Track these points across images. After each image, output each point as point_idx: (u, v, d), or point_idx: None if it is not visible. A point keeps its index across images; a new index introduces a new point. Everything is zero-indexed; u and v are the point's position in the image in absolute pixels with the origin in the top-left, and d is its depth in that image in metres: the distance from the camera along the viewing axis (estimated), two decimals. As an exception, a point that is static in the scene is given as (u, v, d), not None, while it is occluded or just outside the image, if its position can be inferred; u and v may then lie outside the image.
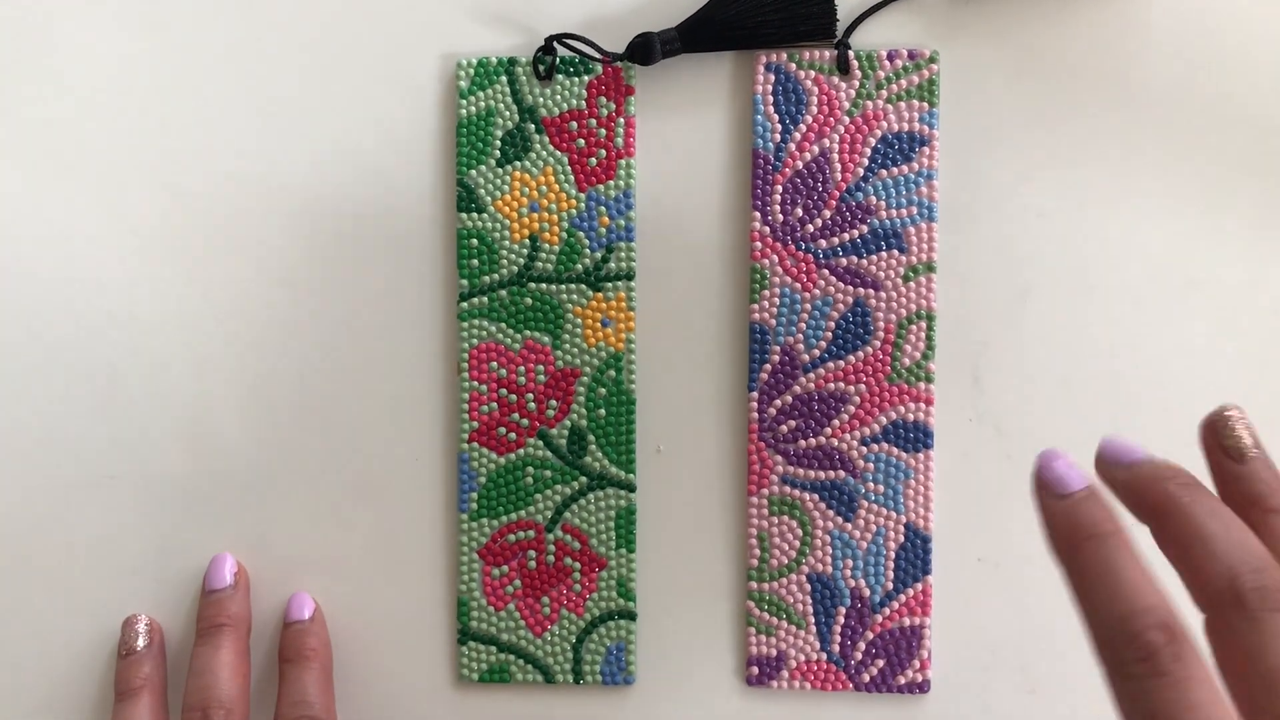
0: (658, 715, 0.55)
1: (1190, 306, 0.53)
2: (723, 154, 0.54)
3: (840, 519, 0.53)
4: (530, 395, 0.54)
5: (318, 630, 0.54)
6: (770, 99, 0.53)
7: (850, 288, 0.53)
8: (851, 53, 0.52)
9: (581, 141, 0.53)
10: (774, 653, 0.54)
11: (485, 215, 0.54)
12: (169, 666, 0.55)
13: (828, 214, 0.53)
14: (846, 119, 0.53)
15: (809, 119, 0.53)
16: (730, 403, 0.54)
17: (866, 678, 0.54)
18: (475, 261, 0.54)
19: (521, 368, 0.54)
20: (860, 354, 0.53)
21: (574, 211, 0.54)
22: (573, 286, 0.54)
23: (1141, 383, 0.53)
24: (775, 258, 0.53)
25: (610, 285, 0.54)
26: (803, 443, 0.53)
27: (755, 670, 0.54)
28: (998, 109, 0.53)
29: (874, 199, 0.53)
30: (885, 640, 0.54)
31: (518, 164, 0.54)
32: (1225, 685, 0.35)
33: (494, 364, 0.54)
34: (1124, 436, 0.39)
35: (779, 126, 0.53)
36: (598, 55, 0.53)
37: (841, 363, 0.53)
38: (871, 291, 0.53)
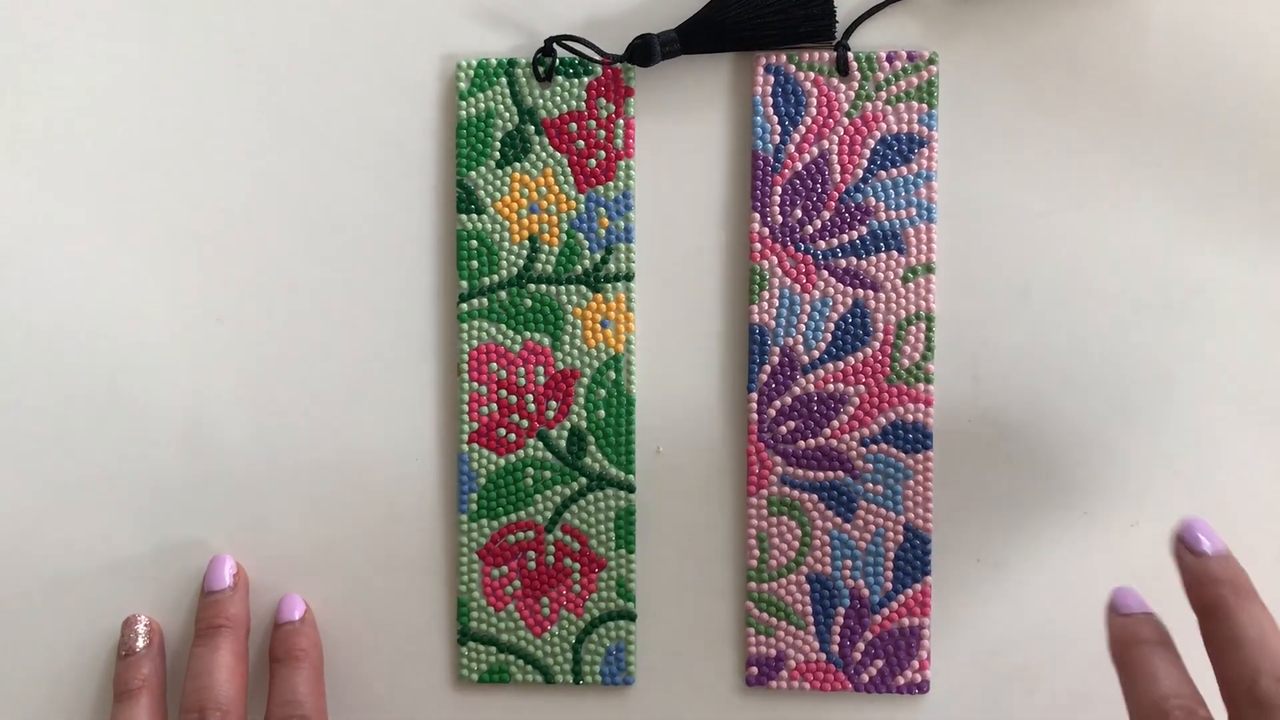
0: (657, 715, 0.55)
1: (1190, 307, 0.53)
2: (722, 155, 0.54)
3: (839, 519, 0.54)
4: (530, 396, 0.54)
5: (308, 631, 0.54)
6: (770, 100, 0.53)
7: (850, 289, 0.53)
8: (851, 54, 0.52)
9: (581, 143, 0.53)
10: (773, 653, 0.54)
11: (485, 216, 0.54)
12: (168, 667, 0.56)
13: (827, 215, 0.53)
14: (846, 120, 0.53)
15: (808, 120, 0.53)
16: (730, 403, 0.54)
17: (866, 678, 0.54)
18: (475, 263, 0.54)
19: (521, 369, 0.54)
20: (860, 355, 0.53)
21: (573, 213, 0.54)
22: (572, 288, 0.54)
23: (1141, 384, 0.53)
24: (775, 259, 0.53)
25: (610, 286, 0.54)
26: (802, 443, 0.53)
27: (754, 670, 0.54)
28: (998, 109, 0.53)
29: (873, 200, 0.53)
30: (884, 640, 0.54)
31: (517, 165, 0.54)
32: None
33: (494, 365, 0.54)
34: (1205, 522, 0.47)
35: (778, 128, 0.53)
36: (597, 57, 0.53)
37: (841, 364, 0.53)
38: (871, 292, 0.53)
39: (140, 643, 0.55)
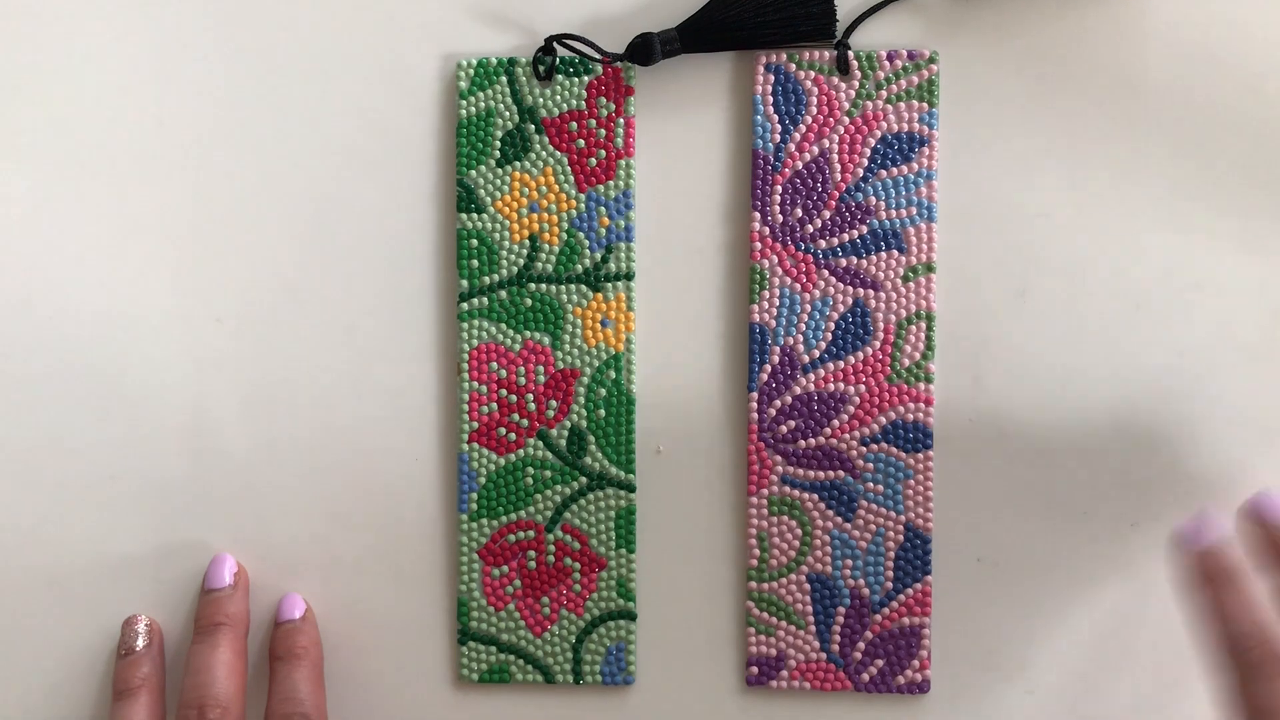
0: (658, 715, 0.55)
1: (1190, 307, 0.53)
2: (723, 154, 0.54)
3: (840, 519, 0.53)
4: (530, 395, 0.54)
5: (308, 629, 0.54)
6: (770, 99, 0.53)
7: (850, 288, 0.53)
8: (851, 53, 0.52)
9: (581, 142, 0.53)
10: (774, 652, 0.54)
11: (485, 215, 0.54)
12: (168, 667, 0.55)
13: (827, 214, 0.53)
14: (846, 119, 0.53)
15: (809, 119, 0.53)
16: (730, 403, 0.54)
17: (866, 678, 0.54)
18: (475, 262, 0.54)
19: (521, 368, 0.54)
20: (860, 354, 0.53)
21: (574, 212, 0.54)
22: (572, 287, 0.54)
23: (1141, 384, 0.53)
24: (775, 258, 0.53)
25: (610, 285, 0.54)
26: (802, 443, 0.53)
27: (755, 670, 0.54)
28: (998, 109, 0.53)
29: (874, 199, 0.53)
30: (885, 640, 0.54)
31: (517, 164, 0.54)
32: None
33: (494, 364, 0.54)
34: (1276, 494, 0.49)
35: (779, 127, 0.53)
36: (597, 55, 0.53)
37: (841, 363, 0.53)
38: (871, 292, 0.53)
39: (140, 642, 0.55)
